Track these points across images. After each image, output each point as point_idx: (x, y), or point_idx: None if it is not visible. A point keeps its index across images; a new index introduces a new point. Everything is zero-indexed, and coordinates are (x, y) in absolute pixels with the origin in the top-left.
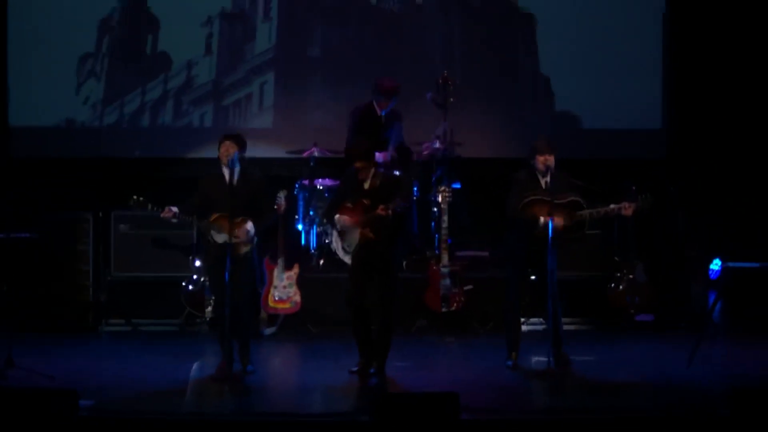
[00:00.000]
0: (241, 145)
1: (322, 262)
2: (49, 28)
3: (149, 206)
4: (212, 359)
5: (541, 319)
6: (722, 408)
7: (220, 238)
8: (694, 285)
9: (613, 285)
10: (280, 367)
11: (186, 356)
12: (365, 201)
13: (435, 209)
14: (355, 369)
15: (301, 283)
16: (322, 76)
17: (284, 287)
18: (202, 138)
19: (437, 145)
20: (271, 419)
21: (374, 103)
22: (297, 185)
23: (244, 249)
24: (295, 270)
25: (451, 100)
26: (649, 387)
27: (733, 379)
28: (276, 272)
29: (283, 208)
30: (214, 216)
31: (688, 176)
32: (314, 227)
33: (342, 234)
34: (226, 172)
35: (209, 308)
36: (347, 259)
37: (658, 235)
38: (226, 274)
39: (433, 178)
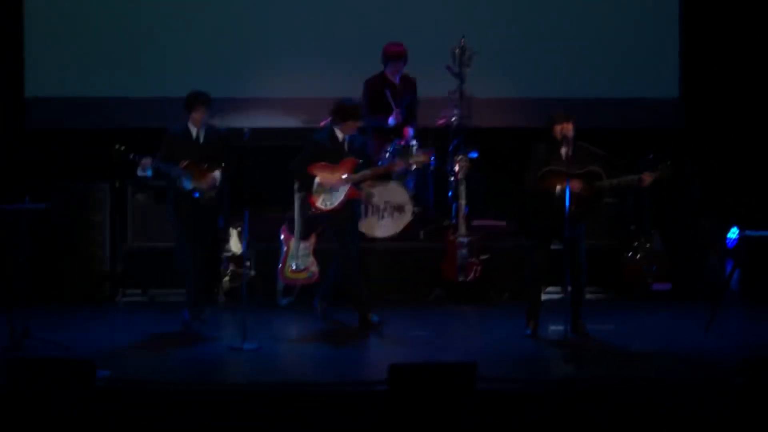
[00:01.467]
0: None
1: None
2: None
3: (130, 155)
4: (229, 329)
5: (559, 288)
6: (737, 376)
7: (189, 185)
8: (711, 254)
9: (629, 254)
10: (296, 337)
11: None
12: (354, 160)
13: (452, 179)
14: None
15: (318, 253)
16: (339, 46)
17: (301, 257)
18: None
19: (454, 114)
20: (286, 389)
21: (385, 72)
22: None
23: (210, 195)
24: (312, 240)
25: (468, 68)
26: (666, 356)
27: (749, 348)
28: (293, 242)
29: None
30: (184, 163)
31: (705, 145)
32: None
33: (319, 190)
34: (193, 129)
35: (226, 278)
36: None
37: (675, 204)
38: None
39: (450, 148)
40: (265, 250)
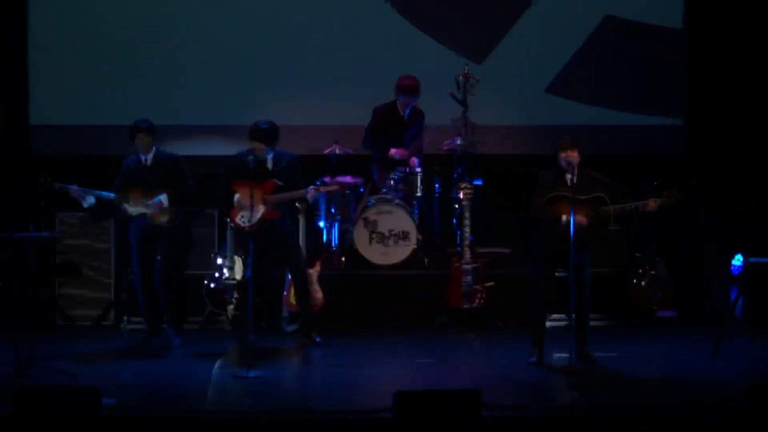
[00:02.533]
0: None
1: (343, 259)
2: (68, 28)
3: (57, 186)
4: (235, 357)
5: (564, 315)
6: (743, 403)
7: (134, 210)
8: (715, 280)
9: (634, 281)
10: (300, 364)
11: (208, 355)
12: (273, 181)
13: (456, 206)
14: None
15: (323, 280)
16: (342, 74)
17: None
18: (226, 134)
19: (458, 141)
20: (292, 416)
21: (397, 102)
22: (318, 183)
23: (161, 218)
24: (317, 268)
25: (471, 96)
26: (672, 382)
27: (755, 374)
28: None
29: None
30: (129, 189)
31: (709, 172)
32: (336, 225)
33: (238, 207)
34: (142, 156)
35: (231, 306)
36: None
37: (679, 230)
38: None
39: (455, 175)
40: (270, 277)
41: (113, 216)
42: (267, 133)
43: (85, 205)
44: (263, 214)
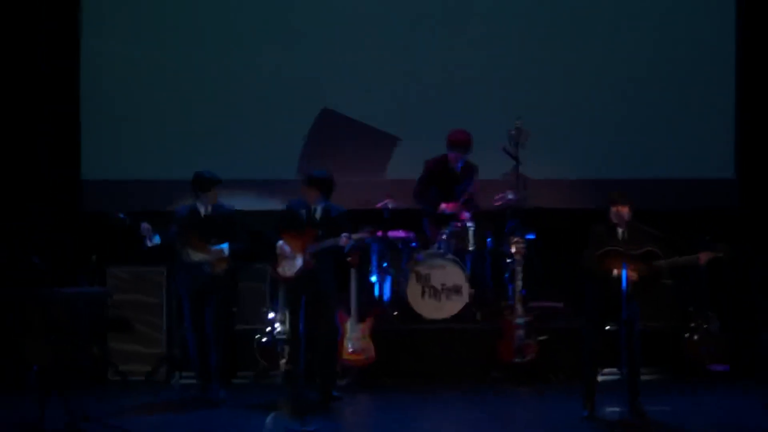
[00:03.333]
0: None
1: (396, 314)
2: (119, 83)
3: (126, 220)
4: (288, 411)
5: (615, 369)
6: None
7: (196, 257)
8: (765, 334)
9: (687, 335)
10: (353, 420)
11: (260, 409)
12: (314, 231)
13: (509, 260)
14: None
15: (375, 335)
16: (394, 128)
17: (357, 339)
18: (275, 189)
19: (510, 195)
20: None
21: (448, 156)
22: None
23: (221, 266)
24: (369, 322)
25: (524, 150)
26: None
27: None
28: (349, 324)
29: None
30: (191, 236)
31: (761, 225)
32: (388, 279)
33: (281, 257)
34: (201, 208)
35: (283, 360)
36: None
37: (732, 284)
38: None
39: (507, 229)
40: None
41: (166, 265)
42: (323, 182)
43: (149, 244)
44: (303, 264)
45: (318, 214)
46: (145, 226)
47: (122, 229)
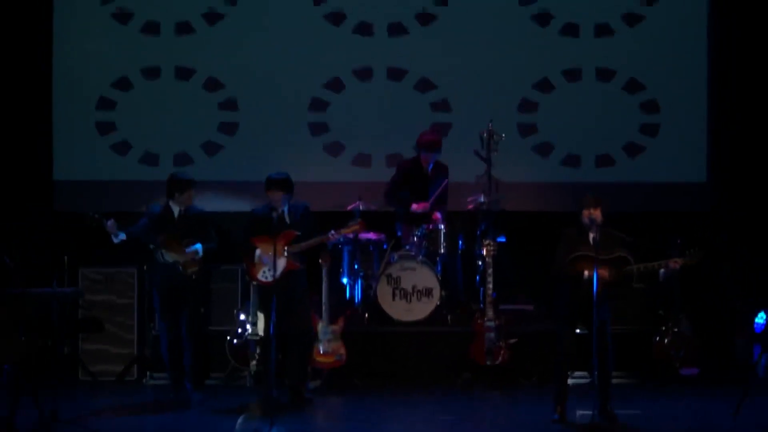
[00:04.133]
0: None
1: (367, 315)
2: (91, 83)
3: (95, 215)
4: (257, 412)
5: (586, 373)
6: None
7: (169, 257)
8: (738, 338)
9: (657, 338)
10: (324, 421)
11: (231, 411)
12: (291, 232)
13: (480, 263)
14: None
15: (346, 336)
16: (366, 131)
17: (329, 341)
18: (246, 190)
19: (482, 198)
20: None
21: (420, 158)
22: (342, 239)
23: (193, 267)
24: (340, 324)
25: (495, 153)
26: None
27: None
28: (320, 326)
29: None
30: (163, 237)
31: (732, 229)
32: (359, 281)
33: (259, 263)
34: (175, 209)
35: (254, 362)
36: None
37: (703, 287)
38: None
39: (478, 232)
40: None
41: (137, 266)
42: (284, 183)
43: (116, 240)
44: (286, 266)
45: (287, 216)
46: (110, 223)
47: (95, 228)
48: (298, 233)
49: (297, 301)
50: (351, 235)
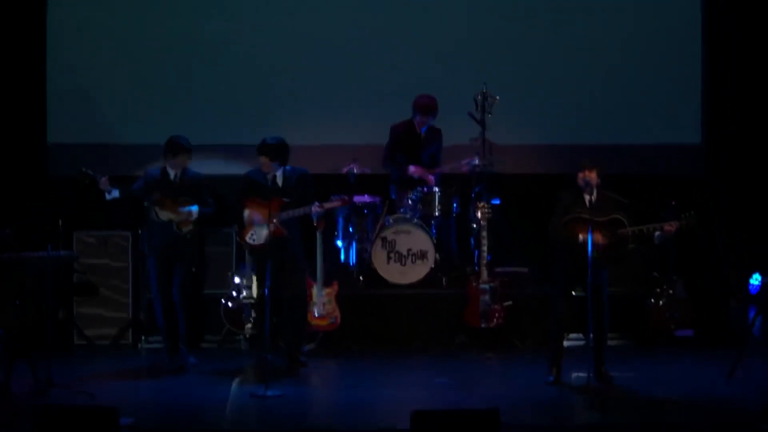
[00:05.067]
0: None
1: (362, 278)
2: (86, 47)
3: (89, 172)
4: (252, 376)
5: (581, 335)
6: (762, 423)
7: (164, 215)
8: (733, 300)
9: (652, 301)
10: (318, 384)
11: (225, 374)
12: (280, 199)
13: (474, 225)
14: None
15: (341, 299)
16: (361, 93)
17: (323, 304)
18: (242, 154)
19: (476, 161)
20: None
21: (414, 121)
22: (333, 198)
23: (186, 227)
24: (334, 287)
25: (490, 115)
26: (690, 402)
27: None
28: (315, 289)
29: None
30: (157, 195)
31: (727, 191)
32: (354, 244)
33: (248, 225)
34: (171, 172)
35: (249, 325)
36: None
37: (698, 250)
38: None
39: (473, 194)
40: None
41: (131, 230)
42: (274, 149)
43: (108, 197)
44: (272, 232)
45: (279, 181)
46: (103, 179)
47: (88, 185)
48: (286, 200)
49: (291, 264)
50: (337, 209)
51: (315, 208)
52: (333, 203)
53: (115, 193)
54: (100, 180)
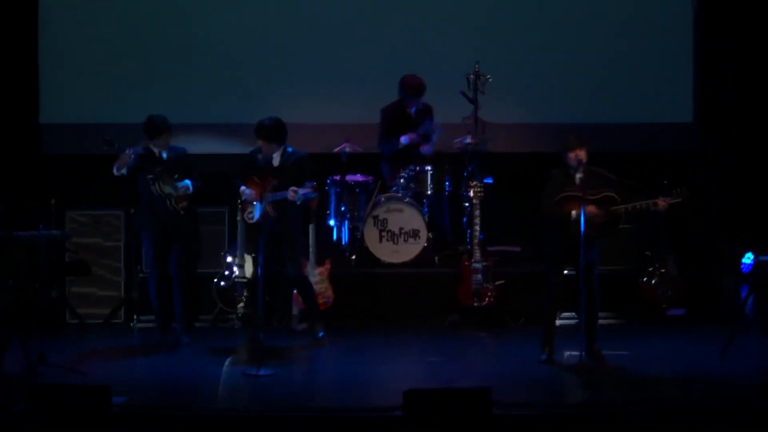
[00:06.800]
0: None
1: (354, 257)
2: (77, 26)
3: (114, 144)
4: (244, 355)
5: (574, 314)
6: (753, 401)
7: (167, 189)
8: (726, 278)
9: (645, 279)
10: (310, 362)
11: (218, 353)
12: (270, 180)
13: (467, 204)
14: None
15: (333, 278)
16: (352, 72)
17: (316, 283)
18: (234, 132)
19: (469, 139)
20: (302, 414)
21: (404, 101)
22: (329, 181)
23: (183, 203)
24: (327, 266)
25: (482, 94)
26: (682, 380)
27: (764, 372)
28: (308, 268)
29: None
30: (158, 169)
31: (719, 169)
32: (346, 223)
33: (245, 204)
34: (155, 150)
35: (241, 304)
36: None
37: (690, 228)
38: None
39: (465, 173)
40: (280, 275)
41: (124, 208)
42: (270, 131)
43: (116, 173)
44: (262, 212)
45: (276, 162)
46: (128, 151)
47: (109, 153)
48: (275, 181)
49: (286, 242)
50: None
51: (290, 194)
52: (304, 190)
53: (123, 171)
54: (125, 151)
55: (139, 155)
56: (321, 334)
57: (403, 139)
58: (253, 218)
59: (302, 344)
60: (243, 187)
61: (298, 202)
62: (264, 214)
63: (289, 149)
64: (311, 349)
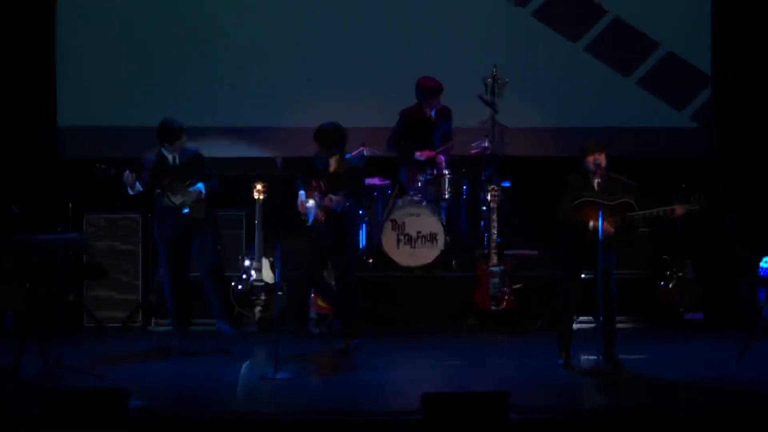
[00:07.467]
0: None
1: (371, 261)
2: (95, 30)
3: (111, 171)
4: (262, 358)
5: (591, 318)
6: None
7: (177, 200)
8: (743, 283)
9: (662, 283)
10: (329, 366)
11: (235, 356)
12: (322, 183)
13: (484, 208)
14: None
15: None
16: (370, 76)
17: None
18: (252, 136)
19: (486, 143)
20: (320, 418)
21: (421, 105)
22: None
23: (199, 210)
24: None
25: (500, 97)
26: (700, 385)
27: None
28: (326, 272)
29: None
30: (166, 180)
31: (737, 173)
32: (363, 226)
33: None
34: (168, 155)
35: (258, 308)
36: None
37: (708, 232)
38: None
39: (483, 177)
40: (297, 279)
41: (141, 212)
42: (319, 135)
43: (132, 192)
44: (315, 216)
45: (332, 167)
46: (127, 174)
47: (107, 180)
48: (323, 187)
49: (334, 250)
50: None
51: (326, 201)
52: (337, 198)
53: (138, 187)
54: (125, 176)
55: (151, 165)
56: (355, 342)
57: (419, 156)
58: (307, 222)
59: (320, 348)
60: (301, 191)
61: (338, 210)
62: (315, 219)
63: (348, 156)
64: (328, 353)
